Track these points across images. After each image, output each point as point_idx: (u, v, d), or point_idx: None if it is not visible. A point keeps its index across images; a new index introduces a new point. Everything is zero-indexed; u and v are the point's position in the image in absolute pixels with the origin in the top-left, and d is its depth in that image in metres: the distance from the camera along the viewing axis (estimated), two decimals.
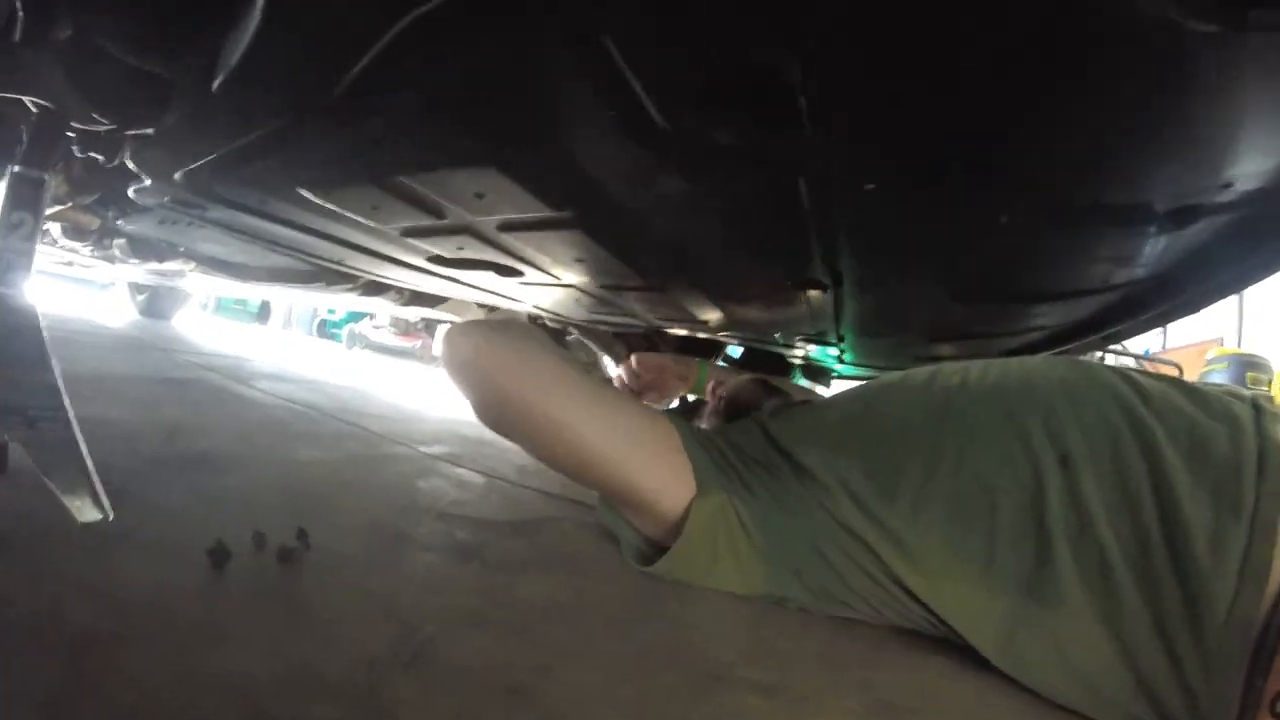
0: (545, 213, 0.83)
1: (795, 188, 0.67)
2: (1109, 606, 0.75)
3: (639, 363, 1.63)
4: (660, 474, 0.93)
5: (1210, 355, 4.44)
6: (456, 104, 0.62)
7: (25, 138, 0.90)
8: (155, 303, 4.50)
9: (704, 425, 1.44)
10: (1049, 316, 1.10)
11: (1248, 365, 4.22)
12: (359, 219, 1.01)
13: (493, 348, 0.95)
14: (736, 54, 0.48)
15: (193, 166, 0.93)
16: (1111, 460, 0.79)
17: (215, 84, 0.68)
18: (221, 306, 9.07)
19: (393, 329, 9.18)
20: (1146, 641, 0.72)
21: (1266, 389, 4.11)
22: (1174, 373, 3.53)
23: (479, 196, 0.82)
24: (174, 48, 0.76)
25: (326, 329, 10.32)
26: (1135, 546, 0.75)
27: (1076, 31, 0.42)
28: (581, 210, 0.81)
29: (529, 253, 1.03)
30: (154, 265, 2.33)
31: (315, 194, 0.92)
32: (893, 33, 0.44)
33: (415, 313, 2.72)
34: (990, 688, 0.79)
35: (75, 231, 2.08)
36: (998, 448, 0.85)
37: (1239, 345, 4.95)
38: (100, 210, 1.73)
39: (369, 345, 9.07)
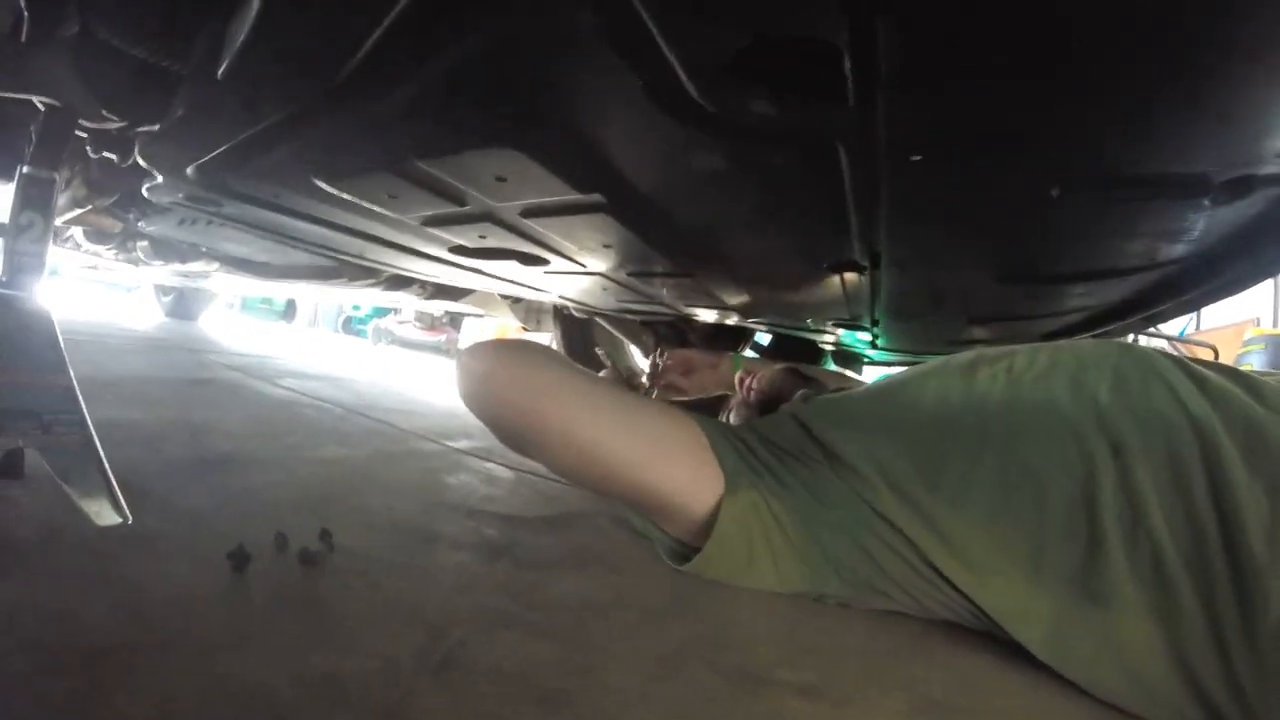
0: (571, 196, 0.80)
1: (835, 162, 0.63)
2: (1161, 602, 0.71)
3: (668, 357, 1.61)
4: (687, 477, 0.90)
5: (1247, 336, 4.36)
6: (473, 82, 0.59)
7: (34, 137, 0.89)
8: (181, 304, 4.53)
9: (734, 418, 1.41)
10: (1091, 297, 1.06)
11: None
12: (377, 209, 0.98)
13: (503, 371, 0.94)
14: (779, 18, 0.44)
15: (204, 160, 0.91)
16: (1166, 450, 0.75)
17: (220, 71, 0.66)
18: (247, 306, 9.13)
19: (418, 324, 9.21)
20: (1198, 639, 0.69)
21: None
22: (1209, 354, 3.47)
23: (500, 180, 0.79)
24: (178, 38, 0.75)
25: (352, 325, 10.37)
26: (1189, 540, 0.71)
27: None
28: (609, 192, 0.78)
29: (554, 239, 1.00)
30: (177, 266, 2.33)
31: (330, 184, 0.90)
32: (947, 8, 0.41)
33: (439, 306, 2.71)
34: (1039, 683, 0.76)
35: (97, 235, 2.09)
36: (1047, 437, 0.82)
37: (1275, 325, 4.85)
38: (121, 213, 1.73)
39: (395, 340, 9.10)
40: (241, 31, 0.59)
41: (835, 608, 0.88)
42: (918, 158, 0.61)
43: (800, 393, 1.17)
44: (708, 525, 0.88)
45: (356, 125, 0.72)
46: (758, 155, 0.65)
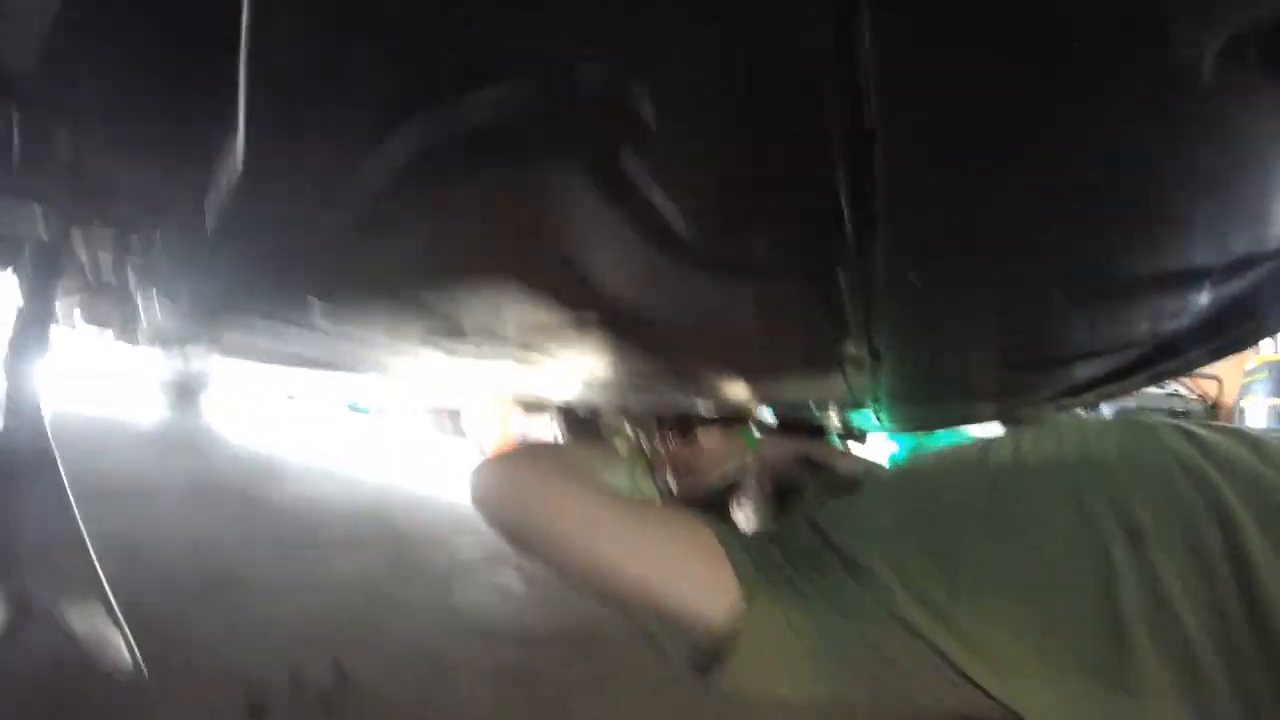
0: (566, 315, 0.80)
1: (833, 282, 0.63)
2: (1192, 687, 0.69)
3: (680, 447, 1.59)
4: (704, 589, 0.87)
5: (1249, 365, 4.34)
6: (464, 230, 0.59)
7: (28, 250, 0.89)
8: (184, 390, 4.51)
9: (749, 508, 1.39)
10: (1094, 368, 1.06)
11: None
12: (370, 334, 0.98)
13: (514, 493, 0.95)
14: (772, 171, 0.44)
15: (196, 288, 0.91)
16: (1182, 531, 0.74)
17: (207, 219, 0.66)
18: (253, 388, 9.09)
19: (423, 408, 9.17)
20: None
21: None
22: (1215, 386, 3.47)
23: (496, 307, 0.79)
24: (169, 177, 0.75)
25: (357, 407, 10.36)
26: (1215, 621, 0.69)
27: (1116, 114, 0.41)
28: (604, 313, 0.78)
29: (551, 349, 0.99)
30: (178, 353, 2.32)
31: (326, 318, 0.90)
32: (942, 134, 0.42)
33: (440, 397, 2.70)
34: None
35: (95, 319, 2.07)
36: (1062, 529, 0.80)
37: (1277, 350, 4.85)
38: (119, 300, 1.71)
39: (398, 417, 9.07)
40: (225, 187, 0.59)
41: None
42: (914, 275, 0.61)
43: (812, 487, 1.16)
44: (726, 637, 0.85)
45: (352, 267, 0.72)
46: (754, 281, 0.65)
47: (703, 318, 0.79)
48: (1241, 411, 4.03)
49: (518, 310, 0.80)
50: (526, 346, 0.99)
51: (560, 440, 1.91)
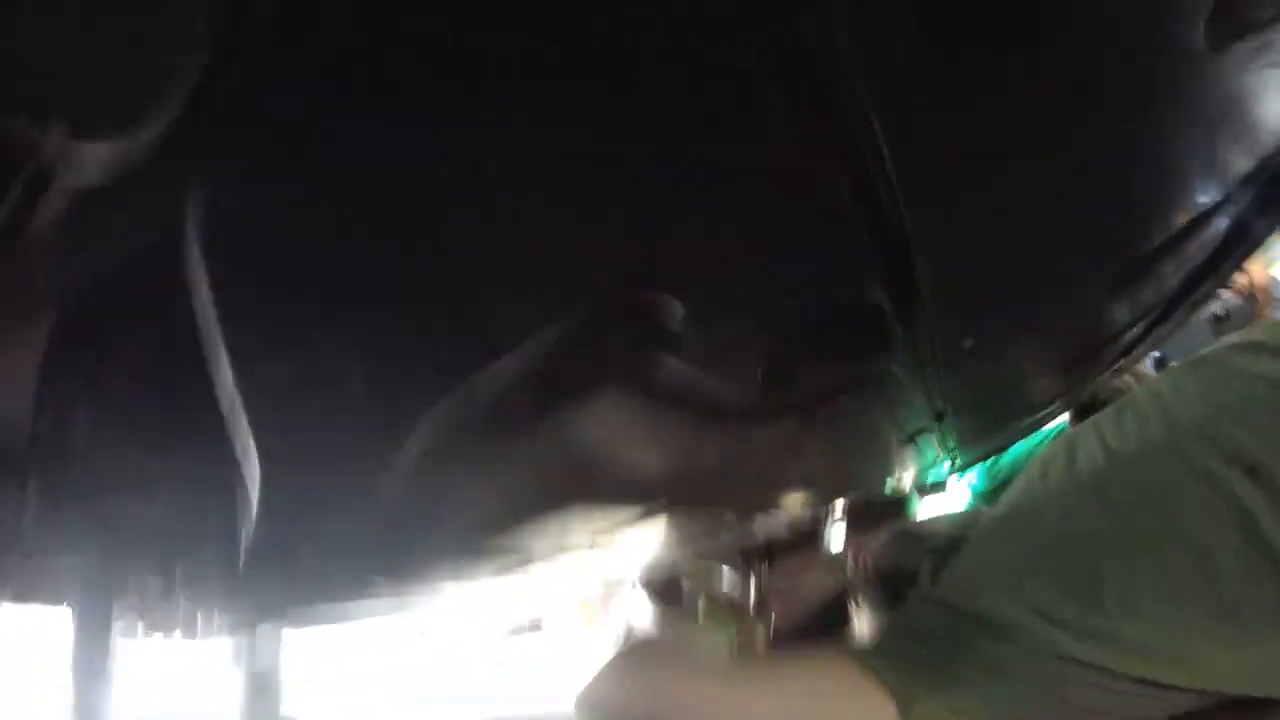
0: (635, 510, 0.80)
1: (891, 379, 0.63)
2: None
3: (770, 569, 1.56)
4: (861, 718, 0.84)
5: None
6: (513, 479, 0.59)
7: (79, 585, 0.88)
8: (260, 680, 4.40)
9: (866, 611, 1.35)
10: (1139, 328, 1.06)
11: None
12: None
13: (630, 701, 0.89)
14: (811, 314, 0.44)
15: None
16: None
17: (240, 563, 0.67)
18: None
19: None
20: None
21: None
22: (1243, 275, 3.47)
23: (564, 526, 0.78)
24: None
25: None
26: None
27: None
28: (672, 494, 0.77)
29: (626, 534, 0.98)
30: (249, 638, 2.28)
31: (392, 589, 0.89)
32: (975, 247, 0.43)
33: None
34: None
35: (156, 627, 2.03)
36: (1190, 502, 0.77)
37: None
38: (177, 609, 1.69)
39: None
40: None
41: None
42: (969, 344, 0.60)
43: (921, 566, 1.13)
44: None
45: (410, 539, 0.72)
46: (818, 414, 0.64)
47: (766, 465, 0.78)
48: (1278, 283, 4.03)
49: (586, 524, 0.79)
50: (598, 544, 0.98)
51: (650, 618, 1.88)
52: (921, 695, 0.79)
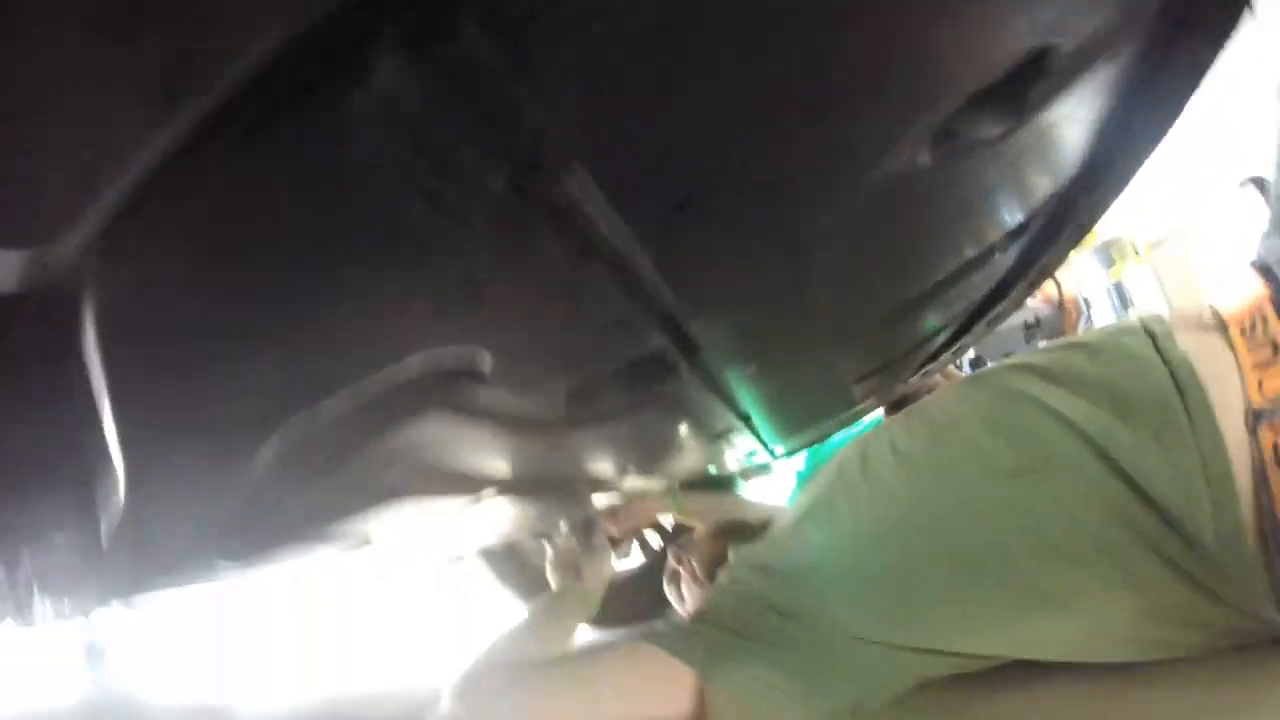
0: (463, 499, 0.84)
1: (685, 396, 0.70)
2: (1115, 571, 0.80)
3: (614, 520, 1.64)
4: (667, 694, 0.93)
5: (1073, 257, 4.63)
6: (346, 484, 0.63)
7: None
8: (96, 655, 4.21)
9: (690, 599, 1.44)
10: (941, 337, 1.14)
11: (1108, 246, 4.41)
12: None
13: (467, 714, 1.02)
14: (602, 362, 0.50)
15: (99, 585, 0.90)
16: (1046, 460, 0.84)
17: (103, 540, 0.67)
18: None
19: None
20: (1159, 580, 0.78)
21: (1134, 254, 4.32)
22: (1054, 285, 3.67)
23: (397, 516, 0.82)
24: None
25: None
26: (1114, 519, 0.79)
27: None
28: (500, 484, 0.82)
29: (459, 522, 1.03)
30: (83, 617, 2.19)
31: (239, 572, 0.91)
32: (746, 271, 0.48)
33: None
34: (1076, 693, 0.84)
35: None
36: (958, 494, 0.89)
37: (1094, 234, 5.17)
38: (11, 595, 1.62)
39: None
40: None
41: None
42: (751, 368, 0.68)
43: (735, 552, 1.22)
44: (701, 716, 0.92)
45: (256, 534, 0.74)
46: (621, 422, 0.71)
47: (583, 458, 0.84)
48: (1086, 301, 4.31)
49: (417, 515, 0.83)
50: (437, 529, 1.01)
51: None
52: (720, 666, 0.88)
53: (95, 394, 0.46)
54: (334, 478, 0.65)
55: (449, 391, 0.49)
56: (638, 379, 0.57)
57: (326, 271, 0.39)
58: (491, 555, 2.04)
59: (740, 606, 1.01)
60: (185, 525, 0.69)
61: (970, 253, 0.69)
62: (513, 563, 2.01)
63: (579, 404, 0.59)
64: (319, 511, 0.76)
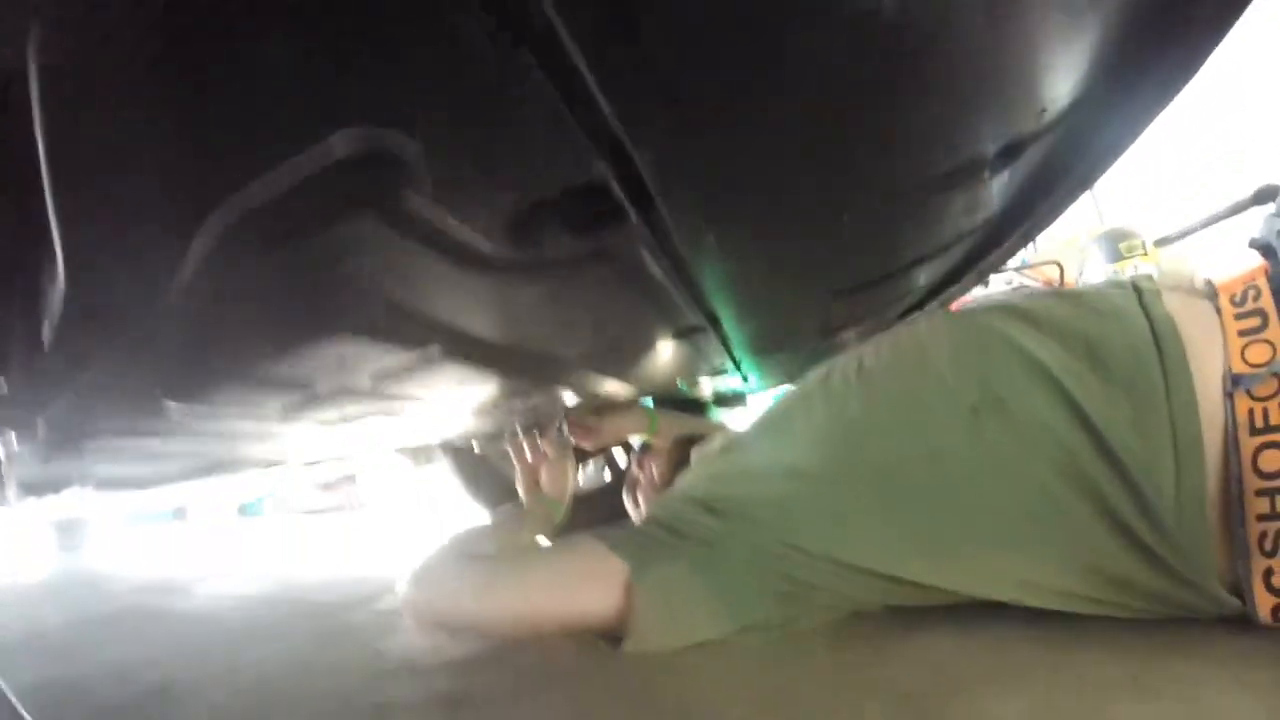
0: (410, 353, 0.82)
1: (641, 261, 0.68)
2: (1058, 521, 0.79)
3: (577, 426, 1.65)
4: (599, 586, 0.95)
5: (1082, 243, 4.60)
6: (285, 298, 0.61)
7: None
8: (67, 536, 4.29)
9: (645, 505, 1.45)
10: (926, 275, 1.12)
11: (1117, 238, 4.38)
12: (234, 424, 0.99)
13: (420, 601, 1.07)
14: (540, 182, 0.48)
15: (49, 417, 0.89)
16: (1008, 400, 0.83)
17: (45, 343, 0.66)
18: (137, 516, 8.67)
19: (315, 487, 8.87)
20: (1104, 540, 0.77)
21: (1141, 252, 4.28)
22: (1056, 272, 3.66)
23: (341, 360, 0.80)
24: None
25: (248, 510, 9.92)
26: (1069, 470, 0.78)
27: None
28: (445, 342, 0.81)
29: (412, 392, 1.01)
30: (52, 500, 2.22)
31: (183, 417, 0.90)
32: (697, 99, 0.45)
33: (328, 471, 2.65)
34: (1008, 642, 0.82)
35: None
36: (899, 421, 0.90)
37: (1102, 224, 5.14)
38: None
39: (294, 510, 8.74)
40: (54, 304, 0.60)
41: (786, 645, 0.91)
42: (711, 236, 0.65)
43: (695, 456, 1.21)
44: (629, 610, 0.92)
45: (196, 357, 0.74)
46: (573, 279, 0.68)
47: (536, 323, 0.82)
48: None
49: (362, 362, 0.81)
50: (388, 396, 1.00)
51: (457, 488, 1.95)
52: (653, 565, 0.88)
53: (40, 172, 0.45)
54: (269, 304, 0.64)
55: (376, 185, 0.46)
56: (584, 220, 0.55)
57: (248, 41, 0.37)
58: (460, 464, 2.04)
59: (682, 505, 1.01)
60: (124, 335, 0.68)
61: (951, 153, 0.65)
62: (481, 471, 2.01)
63: (522, 241, 0.57)
64: (257, 347, 0.75)
